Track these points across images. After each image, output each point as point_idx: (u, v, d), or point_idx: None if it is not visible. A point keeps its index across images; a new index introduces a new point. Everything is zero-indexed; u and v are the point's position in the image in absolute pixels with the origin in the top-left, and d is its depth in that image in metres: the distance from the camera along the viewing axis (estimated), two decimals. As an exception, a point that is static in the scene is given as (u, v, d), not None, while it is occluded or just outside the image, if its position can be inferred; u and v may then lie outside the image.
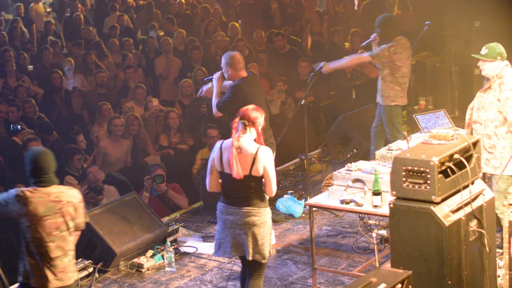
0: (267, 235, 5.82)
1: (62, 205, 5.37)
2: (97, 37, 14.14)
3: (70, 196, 5.44)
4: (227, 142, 5.80)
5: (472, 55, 7.02)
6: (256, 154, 5.69)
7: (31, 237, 5.32)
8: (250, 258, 5.77)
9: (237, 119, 5.81)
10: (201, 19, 15.27)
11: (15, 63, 12.32)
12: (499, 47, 6.74)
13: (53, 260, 5.34)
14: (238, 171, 5.68)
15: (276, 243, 7.55)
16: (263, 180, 5.77)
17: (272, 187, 5.77)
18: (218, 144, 5.86)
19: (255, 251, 5.77)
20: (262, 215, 5.78)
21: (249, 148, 5.72)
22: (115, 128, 9.91)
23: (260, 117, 5.82)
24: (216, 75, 7.56)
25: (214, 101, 7.47)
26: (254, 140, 5.79)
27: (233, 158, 5.68)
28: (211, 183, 5.92)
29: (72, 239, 5.47)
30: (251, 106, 5.88)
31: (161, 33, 14.39)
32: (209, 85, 7.75)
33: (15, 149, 9.69)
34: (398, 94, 8.88)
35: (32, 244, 5.33)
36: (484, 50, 6.75)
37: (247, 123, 5.76)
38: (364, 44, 9.18)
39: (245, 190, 5.75)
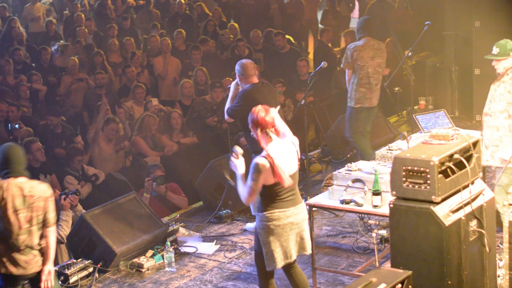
0: None
1: (34, 200, 5.49)
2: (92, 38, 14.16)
3: (41, 191, 5.56)
4: (271, 153, 5.51)
5: (485, 56, 6.99)
6: (296, 147, 5.68)
7: (3, 228, 5.48)
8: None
9: (259, 132, 5.55)
10: (198, 19, 15.28)
11: (15, 62, 12.33)
12: (509, 43, 6.78)
13: (19, 252, 5.51)
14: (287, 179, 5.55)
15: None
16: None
17: None
18: (265, 162, 5.46)
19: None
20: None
21: (289, 145, 5.66)
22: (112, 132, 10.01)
23: (272, 116, 5.63)
24: (234, 81, 7.56)
25: (227, 106, 7.51)
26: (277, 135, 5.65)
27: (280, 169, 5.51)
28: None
29: (39, 234, 5.57)
30: (261, 113, 5.59)
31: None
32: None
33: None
34: (364, 95, 8.89)
35: (2, 234, 5.49)
36: (495, 50, 6.77)
37: (269, 131, 5.59)
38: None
39: (296, 186, 5.67)
